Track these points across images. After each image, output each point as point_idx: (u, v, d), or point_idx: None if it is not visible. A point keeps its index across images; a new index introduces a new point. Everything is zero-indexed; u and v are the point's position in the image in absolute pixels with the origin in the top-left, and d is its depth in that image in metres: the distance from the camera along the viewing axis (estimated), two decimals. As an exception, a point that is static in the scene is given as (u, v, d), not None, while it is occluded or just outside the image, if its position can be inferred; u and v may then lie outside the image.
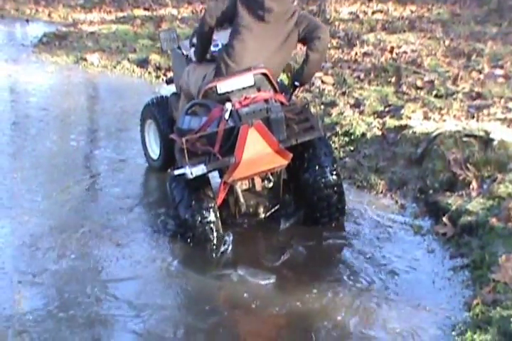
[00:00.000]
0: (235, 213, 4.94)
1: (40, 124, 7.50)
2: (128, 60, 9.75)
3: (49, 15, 12.79)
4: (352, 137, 6.40)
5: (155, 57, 9.54)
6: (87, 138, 7.17)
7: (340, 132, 6.46)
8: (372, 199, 5.48)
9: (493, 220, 4.60)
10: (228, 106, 4.45)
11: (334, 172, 4.79)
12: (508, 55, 8.19)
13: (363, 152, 6.18)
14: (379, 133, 6.36)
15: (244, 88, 4.64)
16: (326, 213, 4.89)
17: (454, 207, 4.95)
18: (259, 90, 4.65)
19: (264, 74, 4.68)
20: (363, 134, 6.39)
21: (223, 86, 4.62)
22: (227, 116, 4.43)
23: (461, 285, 4.25)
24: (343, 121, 6.57)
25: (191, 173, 4.34)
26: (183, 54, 5.58)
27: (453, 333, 3.77)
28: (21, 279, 4.44)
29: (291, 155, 4.47)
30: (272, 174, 4.87)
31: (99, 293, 4.27)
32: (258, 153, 4.33)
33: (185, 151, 4.28)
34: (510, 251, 4.25)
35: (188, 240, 4.71)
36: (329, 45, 9.11)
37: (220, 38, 5.15)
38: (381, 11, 11.06)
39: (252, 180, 4.84)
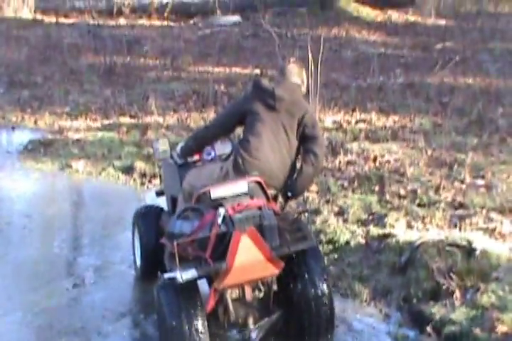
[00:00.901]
0: (223, 323, 4.86)
1: (23, 231, 7.60)
2: (113, 166, 9.92)
3: (35, 122, 13.02)
4: (336, 245, 6.53)
5: (140, 164, 9.72)
6: (71, 245, 7.27)
7: (324, 240, 6.59)
8: (357, 307, 5.56)
9: (477, 330, 4.70)
10: (222, 211, 4.53)
11: (324, 283, 4.80)
12: (489, 166, 8.43)
13: (346, 260, 6.29)
14: (363, 241, 6.50)
15: (237, 195, 4.75)
16: (315, 322, 4.81)
17: (437, 317, 5.04)
18: (251, 198, 4.75)
19: (258, 183, 4.84)
20: (347, 242, 6.52)
21: (217, 191, 4.74)
22: (219, 221, 4.50)
23: None
24: (328, 229, 6.72)
25: (181, 278, 4.34)
26: (175, 163, 5.78)
27: None
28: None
29: (282, 264, 4.51)
30: (262, 284, 4.85)
31: None
32: (250, 260, 4.35)
33: (176, 255, 4.30)
34: (494, 361, 4.33)
35: None
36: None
37: (216, 147, 5.47)
38: (364, 121, 11.33)
39: (243, 289, 4.79)
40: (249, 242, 4.35)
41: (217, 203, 4.68)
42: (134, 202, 8.76)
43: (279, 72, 5.57)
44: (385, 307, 5.53)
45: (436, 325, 4.97)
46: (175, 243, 4.34)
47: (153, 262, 5.80)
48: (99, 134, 11.58)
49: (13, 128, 12.81)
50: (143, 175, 9.51)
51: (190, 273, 4.37)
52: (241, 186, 4.78)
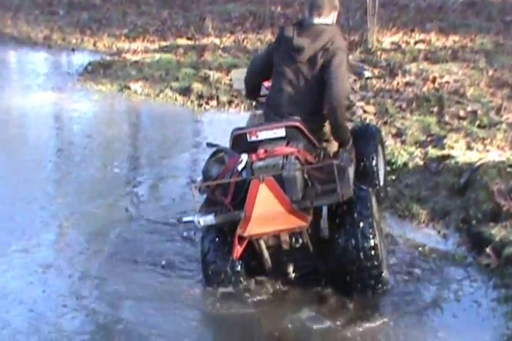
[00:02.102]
0: (263, 269, 4.62)
1: (84, 151, 7.63)
2: (170, 88, 9.86)
3: (94, 44, 13.02)
4: (394, 166, 6.40)
5: (197, 86, 9.64)
6: (130, 166, 7.27)
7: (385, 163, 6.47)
8: (415, 228, 5.46)
9: (538, 252, 4.58)
10: (244, 157, 4.35)
11: (369, 235, 4.30)
12: (553, 85, 8.14)
13: (404, 181, 6.17)
14: (421, 162, 6.36)
15: (274, 139, 4.50)
16: (358, 278, 4.38)
17: (497, 238, 4.92)
18: (288, 143, 4.48)
19: (297, 127, 4.54)
20: (405, 164, 6.39)
21: (253, 134, 4.51)
22: (240, 167, 4.32)
23: (505, 316, 4.19)
24: (386, 151, 6.57)
25: (199, 222, 4.23)
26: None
27: (496, 366, 3.74)
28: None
29: (309, 217, 4.20)
30: (300, 233, 4.40)
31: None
32: (269, 211, 4.11)
33: (196, 199, 4.21)
34: (556, 283, 4.22)
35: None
36: (371, 75, 9.18)
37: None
38: (423, 41, 11.06)
39: (279, 237, 4.42)
40: (267, 192, 4.08)
41: (253, 146, 4.47)
42: (191, 124, 8.73)
43: (311, 7, 4.88)
44: (443, 228, 5.41)
45: (496, 246, 4.85)
46: (193, 186, 4.25)
47: None
48: (157, 56, 11.51)
49: (73, 50, 12.82)
50: (200, 96, 9.43)
51: (208, 219, 4.23)
52: (278, 130, 4.51)
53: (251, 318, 4.39)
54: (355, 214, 4.35)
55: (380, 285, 4.43)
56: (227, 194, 4.31)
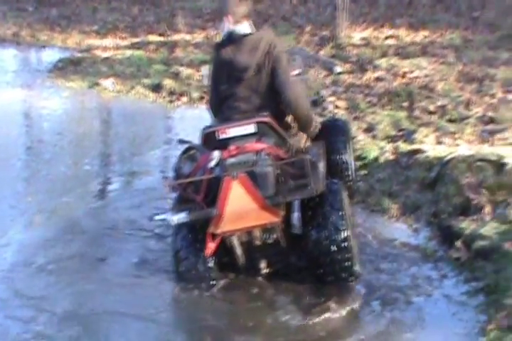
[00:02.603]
0: (236, 265, 4.61)
1: (54, 149, 7.56)
2: (142, 84, 9.82)
3: (64, 41, 12.92)
4: (365, 161, 6.41)
5: (169, 82, 9.60)
6: (101, 163, 7.21)
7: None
8: (386, 223, 5.47)
9: (507, 244, 4.59)
10: (215, 154, 4.33)
11: (341, 228, 4.30)
12: (521, 80, 8.19)
13: (376, 176, 6.18)
14: (392, 157, 6.37)
15: (244, 135, 4.47)
16: (331, 271, 4.37)
17: (467, 232, 4.93)
18: (259, 139, 4.45)
19: (267, 123, 4.52)
20: (376, 158, 6.40)
21: (223, 131, 4.47)
22: (212, 164, 4.30)
23: (476, 309, 4.20)
24: (356, 146, 6.58)
25: (172, 220, 4.21)
26: None
27: (468, 358, 3.75)
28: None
29: (281, 212, 4.24)
30: (272, 228, 4.43)
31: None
32: (242, 208, 4.09)
33: (168, 197, 4.24)
34: (525, 275, 4.24)
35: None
36: (342, 70, 9.20)
37: None
38: (393, 37, 11.11)
39: (251, 233, 4.46)
40: (240, 189, 4.06)
41: (224, 143, 4.44)
42: (163, 120, 8.69)
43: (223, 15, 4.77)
44: (414, 222, 5.42)
45: (466, 239, 4.86)
46: (165, 184, 4.25)
47: None
48: (128, 52, 11.46)
49: (43, 46, 12.71)
50: (171, 92, 9.41)
51: (182, 217, 4.20)
52: (248, 126, 4.48)
53: (224, 315, 4.37)
54: (327, 207, 4.36)
55: (352, 278, 4.43)
56: (199, 191, 4.29)
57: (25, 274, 4.88)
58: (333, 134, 5.58)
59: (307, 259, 4.51)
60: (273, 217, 4.21)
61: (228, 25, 4.72)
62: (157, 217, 4.33)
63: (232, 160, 4.23)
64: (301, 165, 4.21)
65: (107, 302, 4.50)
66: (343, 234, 4.29)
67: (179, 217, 4.21)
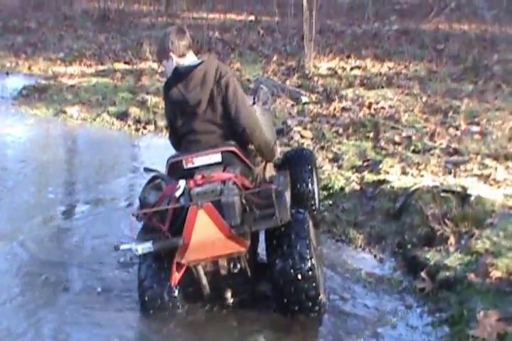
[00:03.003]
0: (202, 294, 4.57)
1: (18, 177, 7.50)
2: (108, 112, 9.81)
3: (29, 68, 12.88)
4: (331, 191, 6.45)
5: (135, 110, 9.60)
6: (66, 191, 7.17)
7: (319, 186, 6.50)
8: (351, 253, 5.50)
9: (471, 276, 4.62)
10: (182, 183, 4.30)
11: (306, 256, 4.29)
12: (484, 112, 8.32)
13: (341, 206, 6.22)
14: (357, 187, 6.42)
15: (210, 165, 4.49)
16: (296, 300, 4.35)
17: (432, 262, 4.97)
18: (225, 168, 4.47)
19: (233, 152, 4.56)
20: (342, 188, 6.45)
21: (189, 161, 4.50)
22: (177, 194, 4.27)
23: (440, 340, 4.25)
24: (322, 175, 6.63)
25: (136, 250, 4.16)
26: None
27: (432, 389, 3.77)
28: None
29: (247, 242, 4.22)
30: (238, 258, 4.42)
31: None
32: (208, 237, 4.09)
33: (132, 226, 4.20)
34: (488, 307, 4.26)
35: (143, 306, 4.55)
36: (309, 100, 9.28)
37: None
38: (359, 67, 11.24)
39: (217, 262, 4.47)
40: (205, 218, 4.05)
41: (190, 173, 4.45)
42: (128, 148, 8.68)
43: (163, 53, 4.83)
44: (379, 252, 5.46)
45: (431, 270, 4.90)
46: (131, 213, 4.22)
47: None
48: (94, 80, 11.45)
49: (7, 73, 12.66)
50: (137, 121, 9.41)
51: (146, 247, 4.16)
52: (214, 156, 4.51)
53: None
54: (293, 236, 4.35)
55: (316, 307, 4.41)
56: (164, 221, 4.26)
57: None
58: (298, 163, 5.63)
59: (272, 288, 4.49)
60: (239, 247, 4.20)
61: (172, 61, 4.77)
62: (122, 247, 4.27)
63: (198, 189, 4.22)
64: (267, 195, 4.21)
65: (68, 332, 4.45)
66: (309, 263, 4.28)
67: (144, 247, 4.16)
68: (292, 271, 4.28)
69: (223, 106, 4.66)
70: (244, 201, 4.26)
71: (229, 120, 4.66)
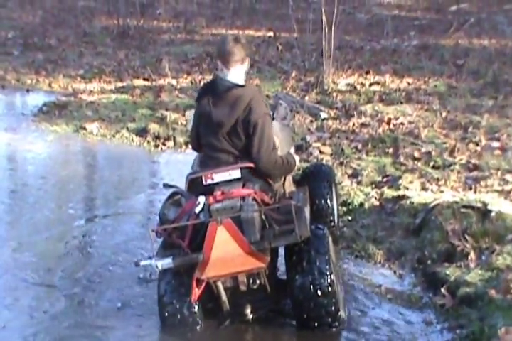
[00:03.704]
0: (221, 310, 4.61)
1: (38, 192, 7.57)
2: (127, 129, 9.86)
3: (49, 85, 12.99)
4: (350, 207, 6.47)
5: (154, 127, 9.66)
6: (85, 207, 7.24)
7: (338, 202, 6.52)
8: (371, 269, 5.51)
9: (492, 292, 4.63)
10: (201, 200, 4.34)
11: (326, 272, 4.33)
12: (504, 128, 8.32)
13: (361, 222, 6.23)
14: (377, 203, 6.44)
15: (230, 181, 4.53)
16: (315, 316, 4.38)
17: (452, 278, 4.98)
18: (244, 184, 4.51)
19: (252, 168, 4.59)
20: (361, 204, 6.47)
21: (209, 177, 4.54)
22: (197, 210, 4.32)
23: (461, 357, 4.25)
24: (341, 191, 6.64)
25: (156, 266, 4.21)
26: None
27: None
28: None
29: (267, 258, 4.26)
30: (258, 274, 4.45)
31: None
32: (228, 253, 4.12)
33: (152, 241, 4.22)
34: (510, 323, 4.26)
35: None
36: (327, 116, 9.31)
37: None
38: (378, 83, 11.25)
39: (236, 278, 4.48)
40: (225, 234, 4.09)
41: (209, 189, 4.49)
42: (148, 164, 8.74)
43: (220, 58, 4.74)
44: (399, 268, 5.47)
45: (451, 286, 4.91)
46: (150, 230, 4.26)
47: None
48: (113, 97, 11.53)
49: (27, 90, 12.78)
50: (156, 137, 9.45)
51: (166, 263, 4.21)
52: (234, 172, 4.55)
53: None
54: (312, 252, 4.38)
55: (336, 323, 4.43)
56: (184, 237, 4.29)
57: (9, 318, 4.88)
58: (317, 179, 5.66)
59: (292, 304, 4.50)
60: (259, 263, 4.23)
61: (220, 69, 4.75)
62: (142, 263, 4.32)
63: (217, 205, 4.26)
64: (287, 211, 4.25)
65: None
66: (328, 279, 4.31)
67: (164, 263, 4.21)
68: (312, 286, 4.31)
69: (246, 140, 4.63)
70: (263, 217, 4.30)
71: (249, 152, 4.65)
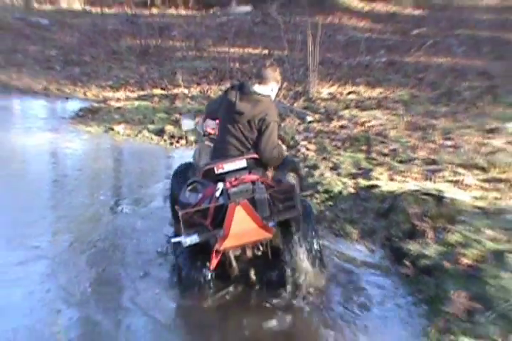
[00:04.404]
0: (229, 274, 4.73)
1: (75, 182, 7.55)
2: (147, 129, 9.84)
3: (84, 93, 12.93)
4: (331, 194, 6.46)
5: (169, 128, 9.64)
6: (113, 194, 7.22)
7: (321, 190, 6.53)
8: (348, 245, 5.52)
9: (446, 263, 4.65)
10: (220, 185, 4.40)
11: (314, 240, 4.61)
12: (456, 130, 8.35)
13: (339, 206, 6.23)
14: (353, 191, 6.44)
15: (237, 170, 4.61)
16: (290, 282, 4.57)
17: (414, 252, 4.99)
18: (249, 172, 4.60)
19: (255, 159, 4.69)
20: (340, 192, 6.46)
21: (219, 168, 4.62)
22: (218, 194, 4.36)
23: (420, 317, 4.27)
24: (324, 181, 6.65)
25: (186, 242, 4.27)
26: (199, 134, 5.59)
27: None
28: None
29: (274, 229, 4.34)
30: (261, 243, 4.63)
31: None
32: (244, 228, 4.20)
33: (182, 223, 4.24)
34: (460, 288, 4.30)
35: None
36: (313, 119, 9.29)
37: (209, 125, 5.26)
38: (354, 92, 11.24)
39: (244, 249, 4.64)
40: (242, 213, 4.19)
41: (221, 177, 4.56)
42: (164, 159, 8.73)
43: (255, 76, 4.95)
44: (371, 244, 5.48)
45: (413, 259, 4.93)
46: (180, 213, 4.26)
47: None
48: (136, 103, 11.49)
49: (67, 98, 12.72)
50: (171, 136, 9.43)
51: (193, 239, 4.27)
52: (240, 162, 4.64)
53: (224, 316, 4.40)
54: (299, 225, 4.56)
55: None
56: (206, 217, 4.32)
57: (53, 284, 4.88)
58: (283, 167, 5.66)
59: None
60: (267, 234, 4.31)
61: (253, 82, 4.85)
62: (173, 240, 4.37)
63: (234, 189, 4.33)
64: (285, 191, 4.37)
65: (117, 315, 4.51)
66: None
67: (191, 239, 4.27)
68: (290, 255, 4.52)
69: (257, 135, 4.74)
70: (268, 197, 4.37)
71: (257, 145, 4.75)
